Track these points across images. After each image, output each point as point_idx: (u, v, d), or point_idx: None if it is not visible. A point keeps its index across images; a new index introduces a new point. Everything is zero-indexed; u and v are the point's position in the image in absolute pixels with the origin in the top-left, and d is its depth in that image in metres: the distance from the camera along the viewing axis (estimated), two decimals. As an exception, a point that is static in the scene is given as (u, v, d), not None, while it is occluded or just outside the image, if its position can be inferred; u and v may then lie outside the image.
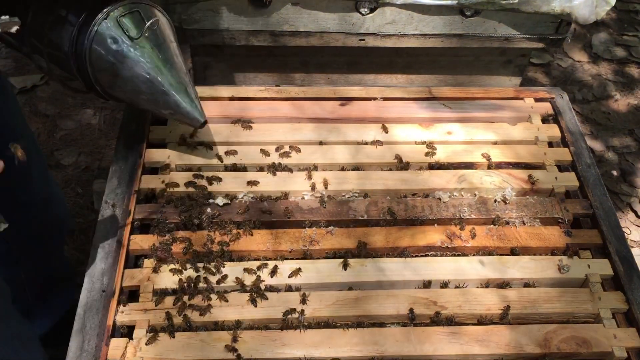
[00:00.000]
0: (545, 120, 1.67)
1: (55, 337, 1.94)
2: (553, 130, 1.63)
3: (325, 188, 1.46)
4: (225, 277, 1.30)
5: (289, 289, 1.30)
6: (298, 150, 1.53)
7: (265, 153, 1.53)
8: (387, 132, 1.59)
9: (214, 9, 1.70)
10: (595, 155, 2.94)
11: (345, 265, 1.32)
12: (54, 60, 1.35)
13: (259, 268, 1.32)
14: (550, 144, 1.62)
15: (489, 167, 1.56)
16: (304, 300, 1.26)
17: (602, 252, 1.40)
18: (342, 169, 1.53)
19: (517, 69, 1.97)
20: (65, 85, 1.42)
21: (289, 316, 1.24)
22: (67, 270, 2.09)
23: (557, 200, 1.48)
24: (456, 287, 1.33)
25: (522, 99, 1.71)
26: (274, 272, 1.31)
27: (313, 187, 1.46)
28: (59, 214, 1.80)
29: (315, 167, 1.52)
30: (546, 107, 1.69)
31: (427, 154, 1.55)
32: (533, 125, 1.64)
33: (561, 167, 1.57)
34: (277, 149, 1.53)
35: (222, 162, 1.51)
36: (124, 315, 1.23)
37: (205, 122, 1.40)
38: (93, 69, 1.32)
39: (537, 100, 1.71)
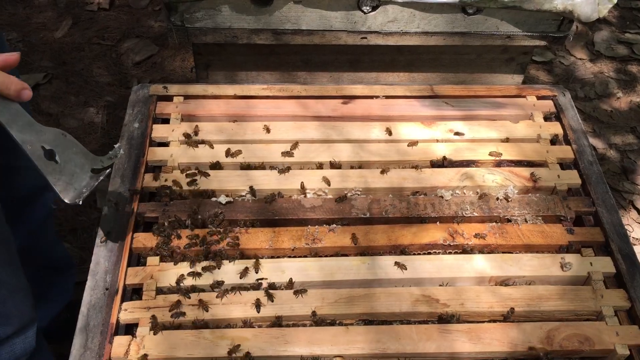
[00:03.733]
0: (547, 118, 1.67)
1: (57, 332, 1.95)
2: (555, 128, 1.63)
3: (329, 186, 1.47)
4: (227, 275, 1.30)
5: (291, 286, 1.30)
6: (301, 149, 1.54)
7: (268, 151, 1.53)
8: (390, 135, 1.58)
9: (216, 8, 1.70)
10: (598, 153, 2.94)
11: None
12: None
13: (259, 266, 1.32)
14: (553, 142, 1.62)
15: (491, 164, 1.56)
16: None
17: (605, 250, 1.40)
18: (345, 167, 1.53)
19: (519, 67, 1.97)
20: None
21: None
22: (65, 260, 2.08)
23: (559, 198, 1.48)
24: (458, 285, 1.33)
25: (524, 96, 1.71)
26: (276, 270, 1.31)
27: (315, 185, 1.47)
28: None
29: (318, 165, 1.52)
30: (548, 105, 1.69)
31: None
32: (535, 123, 1.64)
33: (563, 165, 1.57)
34: (280, 147, 1.54)
35: (224, 160, 1.51)
36: (127, 313, 1.24)
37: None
38: None
39: (539, 98, 1.71)
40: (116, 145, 1.18)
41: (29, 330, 1.63)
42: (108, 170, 1.15)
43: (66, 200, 1.10)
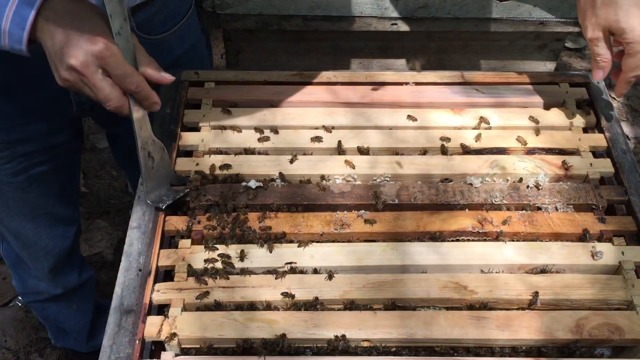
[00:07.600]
0: (580, 105, 1.65)
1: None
2: (588, 116, 1.61)
3: (353, 168, 1.47)
4: (257, 258, 1.32)
5: (320, 271, 1.32)
6: (330, 134, 1.54)
7: (297, 137, 1.54)
8: (415, 121, 1.58)
9: (247, -6, 1.71)
10: (632, 141, 2.89)
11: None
12: None
13: (291, 250, 1.34)
14: (585, 130, 1.60)
15: (522, 152, 1.54)
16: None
17: (637, 239, 1.39)
18: (374, 153, 1.53)
19: (552, 54, 1.94)
20: None
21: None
22: None
23: (591, 186, 1.46)
24: (487, 272, 1.33)
25: (557, 83, 1.69)
26: (305, 254, 1.33)
27: (345, 171, 1.47)
28: None
29: (346, 151, 1.53)
30: (581, 92, 1.66)
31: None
32: (568, 111, 1.62)
33: (596, 153, 1.55)
34: (309, 133, 1.55)
35: (255, 145, 1.53)
36: (159, 294, 1.26)
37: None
38: None
39: (572, 85, 1.68)
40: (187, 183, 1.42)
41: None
42: (185, 191, 1.39)
43: (148, 200, 1.32)
